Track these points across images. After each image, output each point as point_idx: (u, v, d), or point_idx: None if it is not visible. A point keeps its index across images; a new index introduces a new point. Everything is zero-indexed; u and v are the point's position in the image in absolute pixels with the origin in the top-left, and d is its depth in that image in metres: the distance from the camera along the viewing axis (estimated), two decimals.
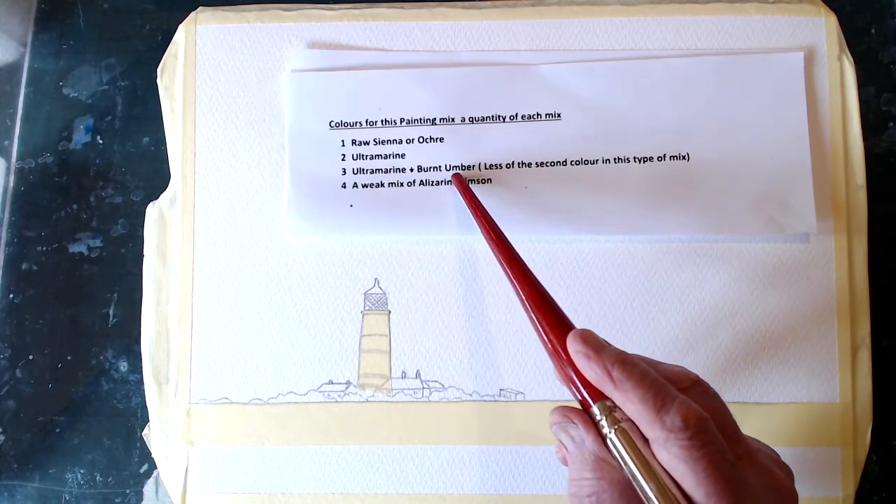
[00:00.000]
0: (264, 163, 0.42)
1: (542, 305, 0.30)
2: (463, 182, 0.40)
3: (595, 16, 0.43)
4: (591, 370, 0.27)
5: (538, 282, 0.31)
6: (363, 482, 0.40)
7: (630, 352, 0.28)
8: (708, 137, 0.41)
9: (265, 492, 0.40)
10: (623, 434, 0.26)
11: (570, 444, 0.28)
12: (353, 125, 0.42)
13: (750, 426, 0.40)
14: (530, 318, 0.30)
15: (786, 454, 0.38)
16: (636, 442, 0.25)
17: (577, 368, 0.28)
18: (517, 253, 0.33)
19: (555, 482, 0.40)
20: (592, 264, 0.41)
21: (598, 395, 0.27)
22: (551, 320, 0.29)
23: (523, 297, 0.31)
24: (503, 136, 0.42)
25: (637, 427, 0.26)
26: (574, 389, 0.28)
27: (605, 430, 0.26)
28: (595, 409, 0.27)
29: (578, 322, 0.29)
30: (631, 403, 0.26)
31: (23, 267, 0.44)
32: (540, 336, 0.30)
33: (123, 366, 0.43)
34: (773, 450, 0.29)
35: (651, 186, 0.41)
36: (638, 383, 0.26)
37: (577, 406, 0.28)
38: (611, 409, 0.26)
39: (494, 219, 0.37)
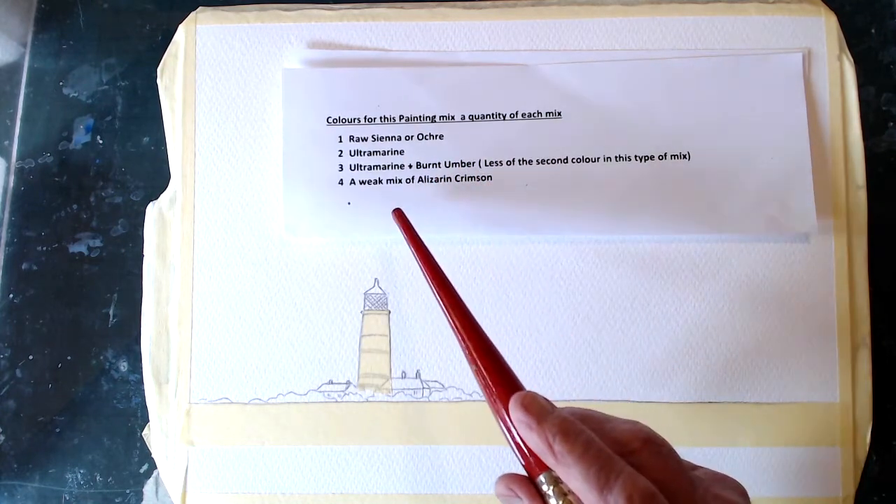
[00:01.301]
0: (264, 163, 0.42)
1: (488, 361, 0.28)
2: (404, 219, 0.37)
3: (595, 16, 0.43)
4: (533, 442, 0.26)
5: (484, 333, 0.29)
6: (363, 482, 0.40)
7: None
8: (708, 137, 0.41)
9: (265, 492, 0.40)
10: None
11: None
12: (351, 121, 0.42)
13: (750, 426, 0.40)
14: (475, 371, 0.29)
15: (786, 454, 0.38)
16: None
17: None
18: (460, 298, 0.32)
19: None
20: (592, 264, 0.41)
21: (545, 465, 0.26)
22: (498, 380, 0.28)
23: (469, 349, 0.29)
24: (503, 133, 0.42)
25: None
26: (519, 456, 0.27)
27: (553, 502, 0.25)
28: (541, 480, 0.26)
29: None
30: (574, 480, 0.24)
31: (23, 267, 0.44)
32: (487, 396, 0.28)
33: (123, 366, 0.43)
34: (731, 479, 0.28)
35: (651, 185, 0.41)
36: (580, 458, 0.24)
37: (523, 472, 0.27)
38: (557, 480, 0.25)
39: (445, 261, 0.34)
